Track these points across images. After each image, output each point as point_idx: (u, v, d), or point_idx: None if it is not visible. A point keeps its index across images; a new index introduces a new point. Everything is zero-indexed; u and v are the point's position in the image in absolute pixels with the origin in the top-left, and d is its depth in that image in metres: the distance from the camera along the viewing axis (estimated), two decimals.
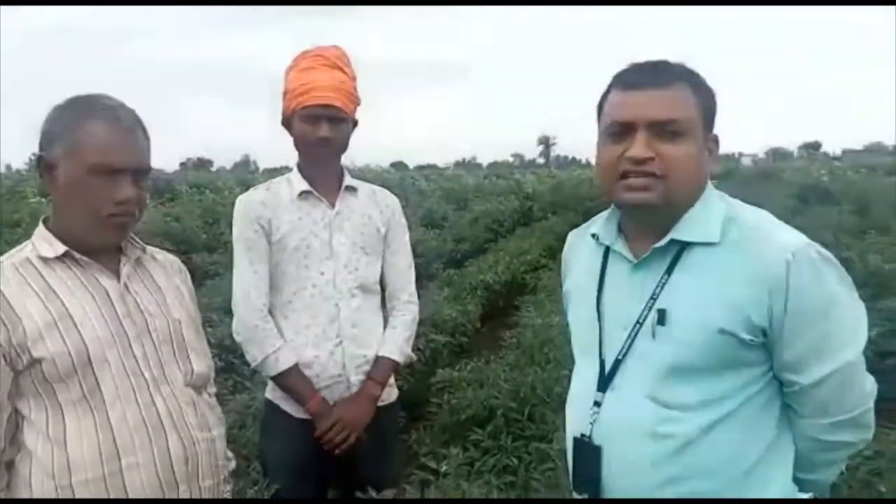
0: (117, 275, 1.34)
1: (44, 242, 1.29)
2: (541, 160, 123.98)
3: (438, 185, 20.65)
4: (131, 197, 1.28)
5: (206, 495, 1.36)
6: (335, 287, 1.94)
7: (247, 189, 2.21)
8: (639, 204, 1.12)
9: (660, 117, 1.09)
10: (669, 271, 1.13)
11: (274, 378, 1.93)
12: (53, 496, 1.21)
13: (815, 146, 74.73)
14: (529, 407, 2.47)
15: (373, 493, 1.77)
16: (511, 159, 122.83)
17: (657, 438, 1.11)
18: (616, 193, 1.15)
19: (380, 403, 1.97)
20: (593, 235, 1.26)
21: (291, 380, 1.90)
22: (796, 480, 1.17)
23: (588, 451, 1.17)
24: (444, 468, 1.86)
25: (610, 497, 1.16)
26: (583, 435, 1.18)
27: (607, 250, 1.23)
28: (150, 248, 1.45)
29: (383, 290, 2.10)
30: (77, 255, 1.29)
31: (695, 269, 1.12)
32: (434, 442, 2.51)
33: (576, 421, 1.22)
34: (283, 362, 1.89)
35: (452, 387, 3.03)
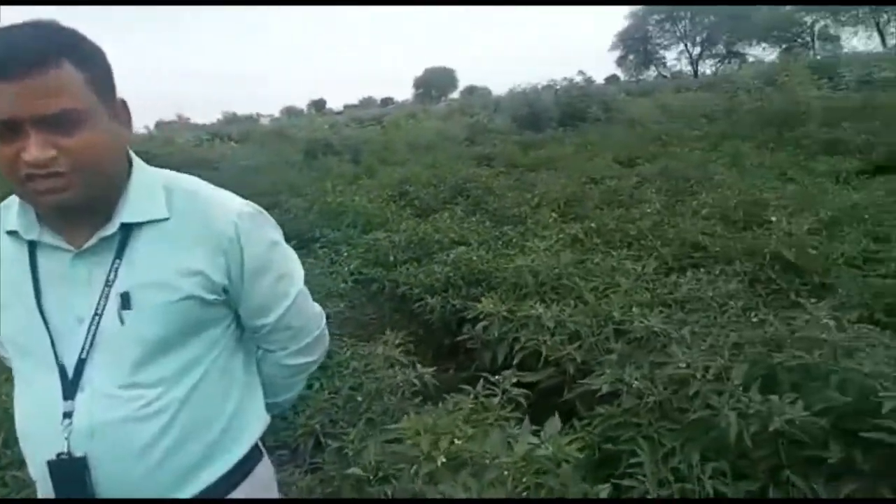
0: None
1: None
2: None
3: None
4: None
5: None
6: None
7: None
8: (58, 206, 1.01)
9: (47, 112, 0.94)
10: (120, 254, 1.08)
11: None
12: None
13: (321, 104, 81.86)
14: None
15: None
16: None
17: (145, 420, 1.07)
18: (30, 197, 1.02)
19: None
20: (10, 233, 1.11)
21: None
22: (266, 407, 1.29)
23: (70, 468, 1.05)
24: None
25: (113, 496, 1.07)
26: (59, 455, 1.05)
27: (31, 245, 1.10)
28: None
29: None
30: None
31: (148, 245, 1.09)
32: None
33: (44, 443, 1.07)
34: None
35: None
